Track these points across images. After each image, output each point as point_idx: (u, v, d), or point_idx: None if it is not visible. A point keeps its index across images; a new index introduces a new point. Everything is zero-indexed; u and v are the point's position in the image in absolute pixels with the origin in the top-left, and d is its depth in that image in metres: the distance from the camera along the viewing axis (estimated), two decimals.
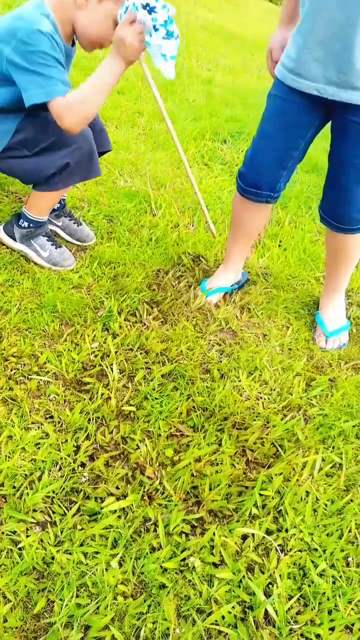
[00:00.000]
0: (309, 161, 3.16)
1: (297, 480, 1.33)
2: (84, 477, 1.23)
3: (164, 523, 1.18)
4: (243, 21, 9.31)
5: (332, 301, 1.95)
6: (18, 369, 1.45)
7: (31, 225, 1.78)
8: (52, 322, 1.61)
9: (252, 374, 1.63)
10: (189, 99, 3.99)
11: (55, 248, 1.82)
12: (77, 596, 1.03)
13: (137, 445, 1.33)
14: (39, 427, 1.32)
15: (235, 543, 1.17)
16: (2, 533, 1.10)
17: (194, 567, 1.11)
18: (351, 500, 1.33)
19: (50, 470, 1.23)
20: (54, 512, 1.15)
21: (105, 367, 1.51)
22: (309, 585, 1.13)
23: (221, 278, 1.93)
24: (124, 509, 1.19)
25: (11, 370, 1.44)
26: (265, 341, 1.80)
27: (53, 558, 1.07)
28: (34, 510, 1.15)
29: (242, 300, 1.95)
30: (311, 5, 1.39)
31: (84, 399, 1.41)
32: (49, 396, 1.40)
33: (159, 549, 1.13)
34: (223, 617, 1.05)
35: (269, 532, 1.21)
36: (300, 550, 1.19)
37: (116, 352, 1.57)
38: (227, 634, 1.03)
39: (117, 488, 1.23)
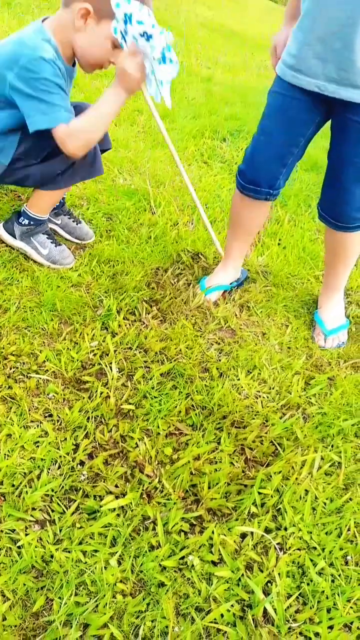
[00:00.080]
0: (309, 159, 3.16)
1: (296, 478, 1.33)
2: (83, 475, 1.23)
3: (163, 521, 1.18)
4: (243, 19, 9.29)
5: (331, 300, 1.95)
6: (17, 368, 1.45)
7: (31, 223, 1.78)
8: (51, 320, 1.61)
9: (251, 373, 1.63)
10: (189, 97, 3.98)
11: (55, 246, 1.82)
12: (76, 594, 1.03)
13: (136, 443, 1.33)
14: (38, 426, 1.32)
15: (234, 541, 1.17)
16: (1, 531, 1.10)
17: (192, 566, 1.11)
18: (350, 499, 1.33)
19: (49, 469, 1.23)
20: (53, 511, 1.15)
21: (104, 365, 1.51)
22: (308, 584, 1.13)
23: (220, 276, 1.93)
24: (123, 507, 1.19)
25: (10, 368, 1.44)
26: (265, 340, 1.80)
27: (52, 556, 1.07)
28: (33, 509, 1.15)
29: (241, 298, 1.95)
30: (312, 2, 1.39)
31: (83, 398, 1.41)
32: (48, 395, 1.40)
33: (158, 548, 1.13)
34: (222, 616, 1.05)
35: (267, 531, 1.21)
36: (299, 549, 1.19)
37: (115, 351, 1.57)
38: (226, 632, 1.03)
39: (116, 486, 1.23)
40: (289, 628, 1.06)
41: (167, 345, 1.62)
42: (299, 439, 1.44)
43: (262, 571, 1.13)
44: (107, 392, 1.43)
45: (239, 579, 1.11)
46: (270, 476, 1.32)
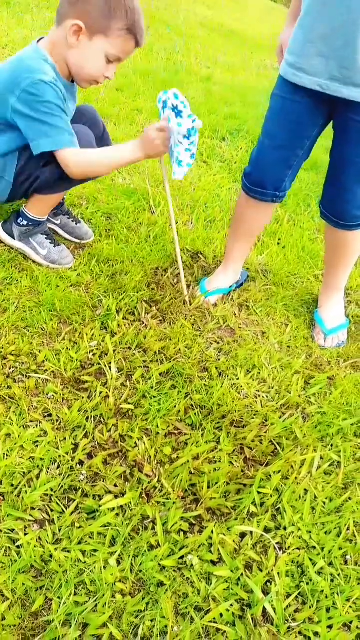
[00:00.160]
0: (309, 159, 3.16)
1: (296, 478, 1.33)
2: (82, 475, 1.23)
3: (162, 521, 1.18)
4: (243, 19, 9.29)
5: (331, 299, 1.95)
6: (16, 367, 1.45)
7: (30, 224, 1.78)
8: (51, 320, 1.61)
9: (250, 372, 1.63)
10: (188, 96, 3.97)
11: (54, 246, 1.82)
12: (75, 594, 1.03)
13: (136, 443, 1.33)
14: (37, 425, 1.32)
15: (234, 541, 1.17)
16: (0, 531, 1.10)
17: (192, 565, 1.11)
18: (349, 498, 1.33)
19: (48, 468, 1.23)
20: (52, 510, 1.15)
21: (103, 365, 1.51)
22: (307, 583, 1.13)
23: (221, 278, 1.93)
24: (122, 506, 1.19)
25: (10, 368, 1.44)
26: (264, 339, 1.80)
27: (51, 556, 1.07)
28: (32, 508, 1.15)
29: (240, 297, 1.95)
30: (313, 0, 1.38)
31: (83, 397, 1.41)
32: (47, 394, 1.40)
33: (157, 547, 1.13)
34: (221, 615, 1.05)
35: (267, 530, 1.21)
36: (298, 548, 1.19)
37: (114, 351, 1.56)
38: (225, 631, 1.03)
39: (116, 486, 1.23)
40: (289, 627, 1.06)
41: (166, 345, 1.62)
42: (299, 439, 1.44)
43: (261, 571, 1.13)
44: (107, 392, 1.43)
45: (239, 579, 1.11)
46: (270, 476, 1.32)
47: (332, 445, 1.46)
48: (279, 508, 1.26)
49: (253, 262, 2.17)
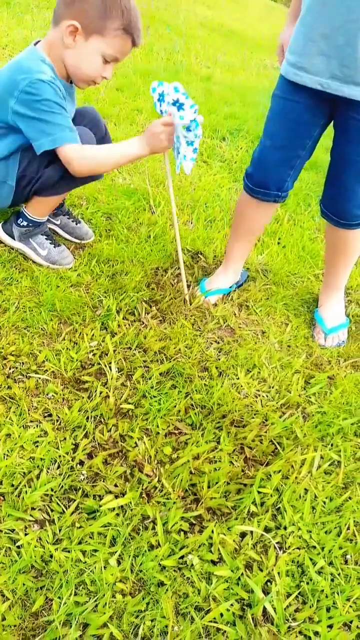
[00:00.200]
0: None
1: (296, 477, 1.33)
2: (83, 475, 1.23)
3: (162, 521, 1.18)
4: (242, 19, 9.29)
5: (331, 299, 1.95)
6: (17, 368, 1.45)
7: (30, 224, 1.78)
8: (51, 320, 1.61)
9: (250, 372, 1.63)
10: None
11: (54, 247, 1.82)
12: (76, 594, 1.03)
13: (136, 443, 1.33)
14: (37, 426, 1.32)
15: (234, 541, 1.17)
16: (1, 531, 1.10)
17: (192, 565, 1.11)
18: (349, 498, 1.33)
19: (48, 468, 1.23)
20: (52, 510, 1.15)
21: (103, 365, 1.51)
22: (308, 583, 1.13)
23: (221, 279, 1.93)
24: (122, 506, 1.19)
25: (10, 368, 1.44)
26: (264, 338, 1.80)
27: (51, 556, 1.07)
28: (33, 509, 1.15)
29: (240, 297, 1.95)
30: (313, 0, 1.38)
31: (83, 398, 1.41)
32: (47, 394, 1.40)
33: (158, 547, 1.13)
34: (221, 615, 1.05)
35: (267, 530, 1.21)
36: (298, 548, 1.19)
37: (114, 351, 1.56)
38: (225, 631, 1.03)
39: (116, 486, 1.23)
40: (289, 627, 1.06)
41: (166, 345, 1.62)
42: (299, 438, 1.44)
43: (261, 570, 1.13)
44: (107, 392, 1.43)
45: (239, 578, 1.11)
46: (270, 475, 1.32)
47: (332, 445, 1.46)
48: (279, 508, 1.26)
49: (253, 262, 2.17)
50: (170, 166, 1.73)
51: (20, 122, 1.52)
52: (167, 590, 1.06)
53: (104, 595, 1.03)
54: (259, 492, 1.27)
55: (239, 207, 1.84)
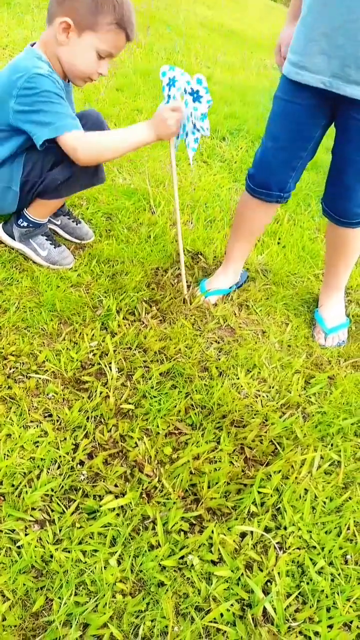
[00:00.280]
0: None
1: (296, 478, 1.33)
2: (83, 475, 1.23)
3: (162, 521, 1.18)
4: (242, 19, 9.28)
5: (331, 298, 1.95)
6: (17, 368, 1.45)
7: (30, 225, 1.78)
8: (51, 320, 1.61)
9: (250, 372, 1.63)
10: None
11: (54, 247, 1.82)
12: (76, 594, 1.03)
13: (136, 443, 1.33)
14: (37, 426, 1.32)
15: (234, 541, 1.17)
16: (1, 531, 1.10)
17: (192, 565, 1.11)
18: (350, 498, 1.33)
19: (49, 469, 1.23)
20: (52, 511, 1.15)
21: (103, 365, 1.51)
22: (308, 583, 1.13)
23: (221, 279, 1.93)
24: (122, 507, 1.19)
25: (10, 368, 1.44)
26: (264, 338, 1.80)
27: (52, 556, 1.07)
28: (33, 509, 1.15)
29: (240, 297, 1.95)
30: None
31: (83, 398, 1.41)
32: (47, 395, 1.40)
33: (158, 547, 1.13)
34: (221, 615, 1.05)
35: (267, 530, 1.21)
36: (298, 548, 1.19)
37: (115, 351, 1.57)
38: (225, 631, 1.03)
39: (116, 486, 1.23)
40: (289, 627, 1.06)
41: (166, 345, 1.62)
42: (299, 438, 1.44)
43: (261, 570, 1.13)
44: (107, 392, 1.43)
45: (239, 579, 1.11)
46: (270, 475, 1.32)
47: (332, 445, 1.46)
48: (279, 508, 1.26)
49: (253, 262, 2.17)
50: (176, 153, 1.70)
51: (21, 119, 1.51)
52: (167, 590, 1.07)
53: (104, 595, 1.03)
54: (259, 492, 1.27)
55: (240, 207, 1.84)
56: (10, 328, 1.55)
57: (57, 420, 1.34)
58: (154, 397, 1.46)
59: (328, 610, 1.10)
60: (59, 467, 1.24)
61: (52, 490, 1.19)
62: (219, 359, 1.65)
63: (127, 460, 1.29)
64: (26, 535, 1.10)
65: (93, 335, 1.60)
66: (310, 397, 1.60)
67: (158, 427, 1.38)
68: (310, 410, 1.55)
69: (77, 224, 1.99)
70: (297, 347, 1.80)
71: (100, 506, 1.17)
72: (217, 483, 1.27)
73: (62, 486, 1.20)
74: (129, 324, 1.68)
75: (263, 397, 1.56)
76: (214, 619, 1.04)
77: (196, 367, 1.59)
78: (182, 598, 1.07)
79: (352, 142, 1.51)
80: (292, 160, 1.63)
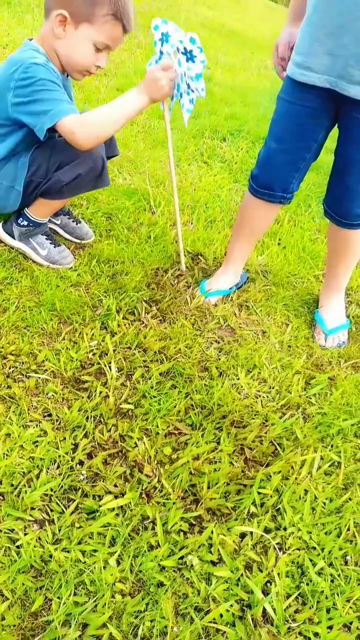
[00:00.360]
0: None
1: (296, 478, 1.33)
2: (82, 475, 1.23)
3: (162, 521, 1.17)
4: (243, 19, 9.29)
5: (331, 299, 1.95)
6: (16, 367, 1.45)
7: (30, 224, 1.78)
8: (51, 320, 1.61)
9: (250, 372, 1.63)
10: None
11: (54, 246, 1.82)
12: (75, 594, 1.03)
13: (135, 443, 1.33)
14: (37, 425, 1.31)
15: (234, 541, 1.17)
16: (0, 531, 1.09)
17: (192, 565, 1.11)
18: (349, 499, 1.32)
19: (48, 468, 1.22)
20: (52, 510, 1.15)
21: (103, 365, 1.51)
22: (307, 584, 1.13)
23: (221, 279, 1.93)
24: (122, 507, 1.19)
25: (9, 368, 1.44)
26: (265, 338, 1.79)
27: (51, 556, 1.07)
28: (32, 508, 1.14)
29: (240, 297, 1.95)
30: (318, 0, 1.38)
31: (82, 397, 1.41)
32: (47, 394, 1.40)
33: (157, 547, 1.13)
34: (221, 616, 1.05)
35: (267, 531, 1.21)
36: (298, 549, 1.19)
37: (114, 351, 1.56)
38: (225, 632, 1.03)
39: (115, 486, 1.22)
40: (289, 628, 1.06)
41: (166, 345, 1.62)
42: (299, 439, 1.44)
43: (261, 571, 1.13)
44: (106, 392, 1.43)
45: (238, 579, 1.11)
46: (270, 476, 1.32)
47: (332, 446, 1.46)
48: (279, 508, 1.26)
49: (253, 263, 2.17)
50: (170, 113, 1.67)
51: (20, 111, 1.50)
52: (166, 590, 1.06)
53: (103, 595, 1.03)
54: (258, 493, 1.27)
55: (242, 208, 1.84)
56: (9, 327, 1.55)
57: (57, 420, 1.34)
58: (154, 397, 1.46)
59: (328, 611, 1.09)
60: (58, 466, 1.24)
61: (52, 490, 1.18)
62: (219, 359, 1.65)
63: (127, 460, 1.29)
64: (25, 535, 1.09)
65: (93, 334, 1.60)
66: (310, 398, 1.60)
67: (158, 427, 1.38)
68: (311, 411, 1.55)
69: (77, 224, 1.99)
70: (298, 348, 1.80)
71: (100, 506, 1.17)
72: (216, 483, 1.27)
73: (62, 486, 1.20)
74: (129, 324, 1.68)
75: (263, 397, 1.56)
76: (214, 619, 1.04)
77: (196, 367, 1.58)
78: (181, 598, 1.07)
79: (354, 143, 1.51)
80: (296, 161, 1.63)
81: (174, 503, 1.21)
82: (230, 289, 1.94)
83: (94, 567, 1.06)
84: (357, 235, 1.73)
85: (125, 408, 1.41)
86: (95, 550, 1.09)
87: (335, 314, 1.92)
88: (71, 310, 1.66)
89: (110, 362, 1.52)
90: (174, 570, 1.10)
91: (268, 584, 1.12)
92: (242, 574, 1.11)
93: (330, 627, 1.07)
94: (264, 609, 1.07)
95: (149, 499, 1.22)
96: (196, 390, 1.51)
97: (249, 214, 1.82)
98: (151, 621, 1.02)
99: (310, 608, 1.09)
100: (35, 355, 1.49)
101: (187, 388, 1.51)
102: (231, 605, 1.06)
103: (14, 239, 1.80)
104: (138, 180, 2.51)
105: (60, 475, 1.21)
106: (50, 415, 1.35)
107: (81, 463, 1.26)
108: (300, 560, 1.17)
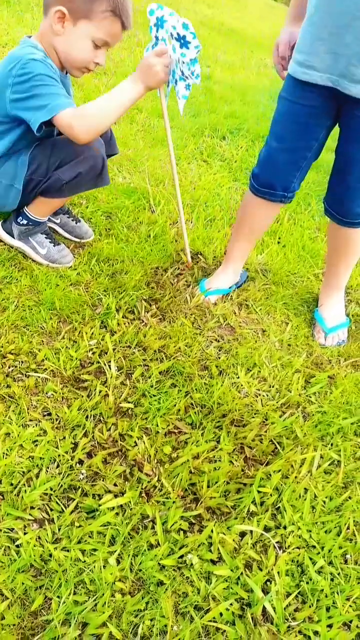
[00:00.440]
0: None
1: (296, 477, 1.33)
2: (82, 474, 1.23)
3: (162, 520, 1.17)
4: (243, 18, 9.28)
5: (331, 298, 1.95)
6: (16, 366, 1.45)
7: (30, 223, 1.78)
8: (50, 319, 1.61)
9: (250, 371, 1.63)
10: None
11: (54, 245, 1.82)
12: (75, 593, 1.03)
13: (135, 442, 1.33)
14: (36, 424, 1.31)
15: (233, 540, 1.17)
16: (0, 530, 1.09)
17: (191, 564, 1.11)
18: (349, 498, 1.32)
19: (48, 468, 1.22)
20: (51, 510, 1.15)
21: (103, 364, 1.51)
22: (307, 582, 1.13)
23: (221, 278, 1.93)
24: (121, 506, 1.19)
25: (9, 367, 1.44)
26: (265, 337, 1.79)
27: (51, 555, 1.07)
28: (32, 508, 1.14)
29: (239, 296, 1.95)
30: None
31: (82, 396, 1.41)
32: (46, 393, 1.40)
33: (157, 546, 1.13)
34: (221, 614, 1.05)
35: (267, 529, 1.21)
36: (298, 547, 1.19)
37: (114, 349, 1.56)
38: (224, 631, 1.03)
39: (115, 485, 1.22)
40: (288, 627, 1.06)
41: (166, 343, 1.62)
42: (299, 438, 1.44)
43: (261, 570, 1.13)
44: (106, 391, 1.43)
45: (238, 578, 1.11)
46: (270, 475, 1.32)
47: (332, 444, 1.46)
48: (279, 507, 1.26)
49: (253, 262, 2.16)
50: (167, 100, 1.65)
51: (18, 107, 1.49)
52: (166, 589, 1.06)
53: (103, 594, 1.03)
54: (258, 492, 1.27)
55: (243, 207, 1.84)
56: (9, 326, 1.54)
57: (56, 419, 1.34)
58: (154, 395, 1.46)
59: (327, 609, 1.09)
60: (58, 466, 1.24)
61: (51, 489, 1.18)
62: (219, 358, 1.64)
63: (127, 459, 1.29)
64: (25, 534, 1.09)
65: (92, 333, 1.60)
66: (310, 397, 1.60)
67: (157, 426, 1.38)
68: (310, 410, 1.55)
69: (76, 223, 1.99)
70: (297, 347, 1.80)
71: (100, 505, 1.17)
72: (216, 482, 1.27)
73: (61, 485, 1.20)
74: (129, 323, 1.68)
75: (263, 396, 1.56)
76: (214, 618, 1.04)
77: (196, 365, 1.58)
78: (181, 597, 1.07)
79: (356, 142, 1.51)
80: (297, 160, 1.63)
81: (173, 502, 1.21)
82: (230, 287, 1.94)
83: (94, 566, 1.06)
84: (358, 233, 1.73)
85: (125, 407, 1.41)
86: (95, 549, 1.09)
87: (335, 313, 1.92)
88: (71, 309, 1.66)
89: (110, 361, 1.52)
90: (173, 569, 1.10)
91: (268, 583, 1.12)
92: (242, 573, 1.12)
93: (330, 626, 1.07)
94: (264, 607, 1.07)
95: (149, 498, 1.22)
96: (196, 389, 1.51)
97: (250, 213, 1.82)
98: (151, 620, 1.02)
99: (310, 607, 1.09)
100: (34, 354, 1.49)
101: (187, 387, 1.50)
102: (231, 604, 1.07)
103: (14, 238, 1.80)
104: (138, 179, 2.51)
105: (60, 475, 1.21)
106: (49, 414, 1.35)
107: (81, 462, 1.26)
108: (300, 559, 1.17)
